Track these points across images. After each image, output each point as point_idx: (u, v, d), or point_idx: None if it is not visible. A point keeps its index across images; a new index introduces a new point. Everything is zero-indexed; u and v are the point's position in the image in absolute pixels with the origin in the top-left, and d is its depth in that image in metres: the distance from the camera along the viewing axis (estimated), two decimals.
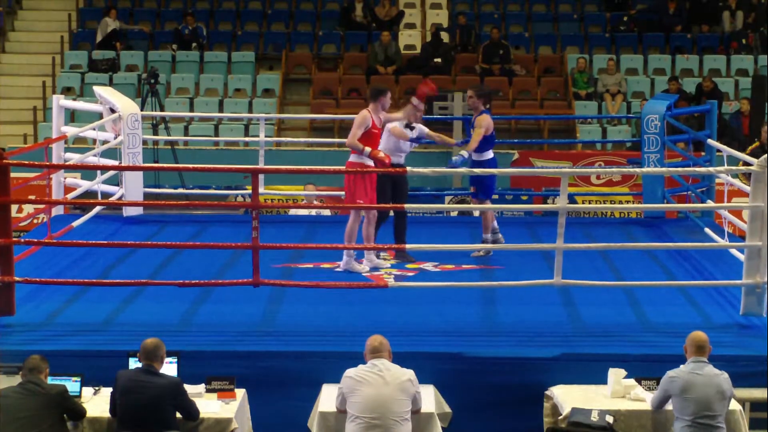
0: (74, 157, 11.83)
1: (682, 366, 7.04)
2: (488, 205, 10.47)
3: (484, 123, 10.18)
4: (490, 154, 10.34)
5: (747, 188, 8.48)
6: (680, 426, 6.84)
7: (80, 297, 9.04)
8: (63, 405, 6.76)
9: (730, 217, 10.23)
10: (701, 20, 20.99)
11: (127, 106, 12.14)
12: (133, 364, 7.12)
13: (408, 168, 8.70)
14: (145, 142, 12.63)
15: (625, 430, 7.10)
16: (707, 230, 10.82)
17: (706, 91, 18.48)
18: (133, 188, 12.05)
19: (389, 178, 10.08)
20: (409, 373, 6.97)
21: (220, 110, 18.90)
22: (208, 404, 7.08)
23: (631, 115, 18.04)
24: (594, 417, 6.96)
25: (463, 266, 10.14)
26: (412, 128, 10.36)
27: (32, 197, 12.58)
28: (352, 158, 9.67)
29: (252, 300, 8.87)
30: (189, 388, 6.99)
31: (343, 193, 9.89)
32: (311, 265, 10.07)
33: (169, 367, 7.14)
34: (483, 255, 10.43)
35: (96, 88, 12.69)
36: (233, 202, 15.15)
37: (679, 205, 12.41)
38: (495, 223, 10.52)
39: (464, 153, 10.19)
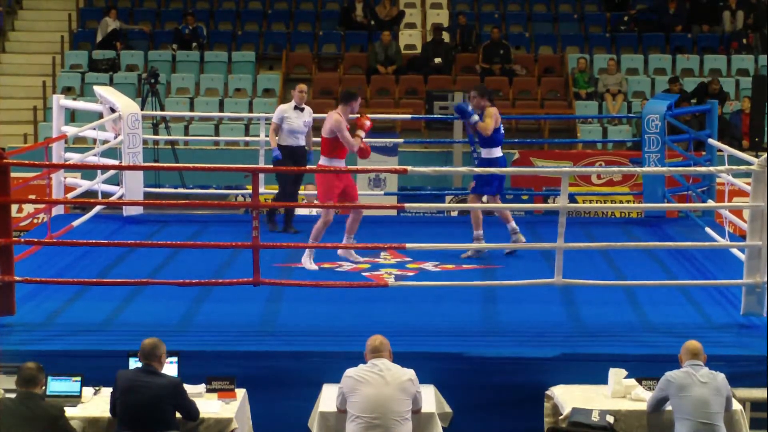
0: (74, 157, 11.83)
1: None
2: (484, 205, 10.57)
3: (493, 112, 10.29)
4: (498, 152, 10.38)
5: (747, 188, 8.47)
6: (680, 426, 6.84)
7: (80, 297, 9.03)
8: (56, 428, 6.57)
9: (730, 217, 10.23)
10: (701, 20, 20.97)
11: (127, 105, 12.14)
12: (133, 364, 7.11)
13: (408, 167, 8.69)
14: (145, 141, 12.63)
15: (626, 430, 7.10)
16: (708, 230, 10.81)
17: (712, 93, 18.41)
18: (133, 188, 12.04)
19: (291, 161, 11.15)
20: (410, 373, 6.96)
21: (220, 110, 18.88)
22: (208, 404, 7.07)
23: (631, 115, 18.02)
24: (594, 417, 6.95)
25: (464, 266, 10.13)
26: (302, 109, 11.41)
27: (32, 197, 12.58)
28: (323, 161, 9.79)
29: (252, 299, 8.86)
30: (189, 388, 6.98)
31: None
32: None
33: (169, 367, 7.13)
34: (472, 256, 10.39)
35: (96, 88, 12.68)
36: (233, 201, 15.15)
37: (680, 205, 12.39)
38: (513, 223, 10.43)
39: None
